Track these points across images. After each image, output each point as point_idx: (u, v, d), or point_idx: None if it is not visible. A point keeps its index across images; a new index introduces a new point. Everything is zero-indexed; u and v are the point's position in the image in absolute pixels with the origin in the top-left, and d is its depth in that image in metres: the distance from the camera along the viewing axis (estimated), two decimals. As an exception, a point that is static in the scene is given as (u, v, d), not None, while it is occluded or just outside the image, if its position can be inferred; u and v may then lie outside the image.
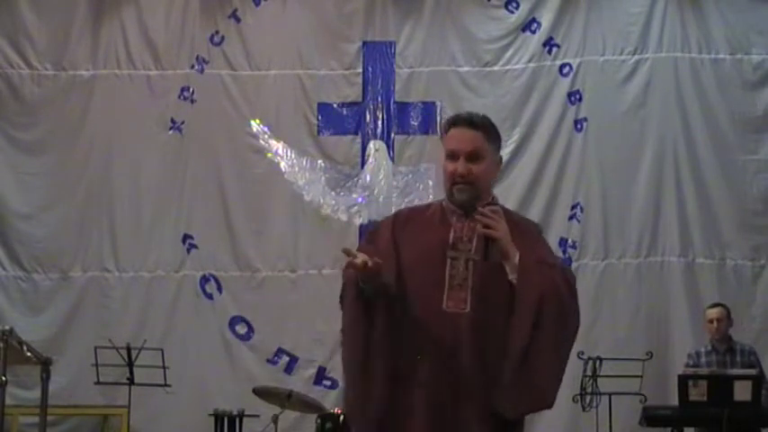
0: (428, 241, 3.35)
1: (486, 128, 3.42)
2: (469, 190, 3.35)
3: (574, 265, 8.73)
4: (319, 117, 9.04)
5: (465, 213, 3.38)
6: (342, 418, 6.16)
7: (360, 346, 3.30)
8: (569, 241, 8.80)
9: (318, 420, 6.46)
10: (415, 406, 3.24)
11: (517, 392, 3.20)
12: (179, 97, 9.02)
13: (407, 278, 3.32)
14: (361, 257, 3.20)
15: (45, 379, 5.09)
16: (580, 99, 8.96)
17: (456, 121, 3.43)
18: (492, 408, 3.21)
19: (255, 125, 9.02)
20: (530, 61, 9.02)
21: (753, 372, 7.10)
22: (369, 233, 3.58)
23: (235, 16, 9.11)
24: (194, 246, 8.89)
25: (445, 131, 3.44)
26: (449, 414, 3.22)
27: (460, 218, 3.39)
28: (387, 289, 3.28)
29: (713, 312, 7.71)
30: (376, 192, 8.96)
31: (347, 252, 3.25)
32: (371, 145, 9.03)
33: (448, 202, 3.44)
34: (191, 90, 9.03)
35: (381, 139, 9.03)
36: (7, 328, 4.54)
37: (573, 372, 7.67)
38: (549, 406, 3.30)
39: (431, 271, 3.29)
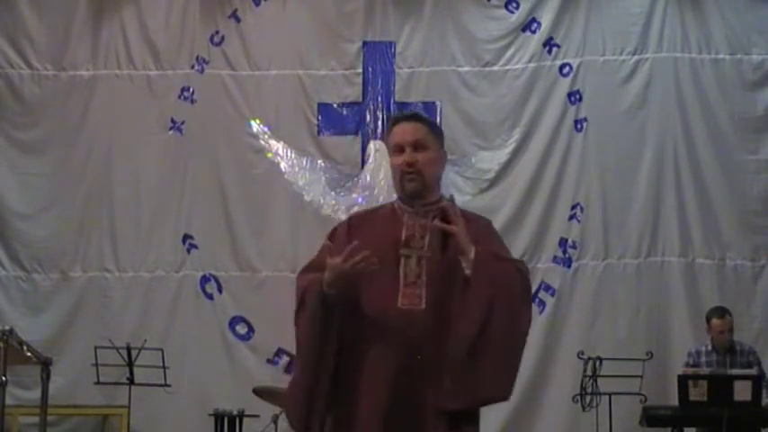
0: (381, 240, 3.36)
1: (428, 121, 3.50)
2: (418, 179, 3.38)
3: (574, 264, 8.75)
4: (319, 117, 9.04)
5: (416, 211, 3.40)
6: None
7: (313, 364, 3.40)
8: (569, 241, 8.79)
9: (318, 420, 6.45)
10: (374, 402, 3.25)
11: (463, 384, 3.20)
12: (179, 97, 9.03)
13: (362, 279, 3.32)
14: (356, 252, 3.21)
15: (45, 379, 5.09)
16: (580, 99, 8.96)
17: (398, 119, 3.52)
18: (439, 400, 3.21)
19: (255, 125, 9.02)
20: (530, 61, 9.01)
21: (753, 372, 7.10)
22: (327, 240, 3.53)
23: (235, 16, 9.11)
24: (194, 246, 8.89)
25: (389, 132, 3.50)
26: (408, 409, 3.23)
27: (412, 216, 3.41)
28: (347, 294, 3.30)
29: (722, 324, 7.59)
30: (376, 192, 8.95)
31: (331, 249, 3.25)
32: (371, 145, 9.02)
33: (399, 202, 3.46)
34: (191, 90, 9.04)
35: (381, 139, 9.02)
36: (7, 328, 4.54)
37: (573, 372, 7.72)
38: (504, 398, 3.30)
39: (385, 270, 3.30)
